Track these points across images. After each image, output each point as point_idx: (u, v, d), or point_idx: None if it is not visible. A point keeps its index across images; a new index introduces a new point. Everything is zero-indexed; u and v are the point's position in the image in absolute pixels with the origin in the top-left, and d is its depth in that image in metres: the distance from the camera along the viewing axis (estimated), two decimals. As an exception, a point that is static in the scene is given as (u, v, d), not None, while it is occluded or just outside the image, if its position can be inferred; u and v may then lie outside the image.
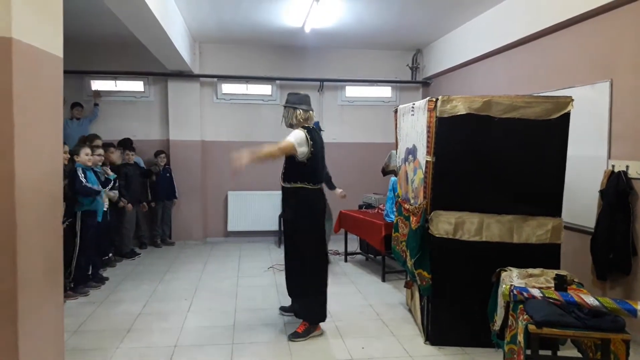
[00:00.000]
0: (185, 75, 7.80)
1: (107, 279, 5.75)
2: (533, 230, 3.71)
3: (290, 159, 3.97)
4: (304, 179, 3.99)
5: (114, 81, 7.92)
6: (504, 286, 2.89)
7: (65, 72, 7.34)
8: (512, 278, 3.10)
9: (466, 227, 3.78)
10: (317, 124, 6.94)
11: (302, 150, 3.90)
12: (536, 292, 2.71)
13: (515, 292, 2.77)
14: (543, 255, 3.65)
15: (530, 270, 3.23)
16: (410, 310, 4.64)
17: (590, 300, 2.56)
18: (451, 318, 3.84)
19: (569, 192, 4.03)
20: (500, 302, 3.08)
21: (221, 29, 7.06)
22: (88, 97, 7.79)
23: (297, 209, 4.00)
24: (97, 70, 7.77)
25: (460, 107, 3.71)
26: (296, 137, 3.91)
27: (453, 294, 3.82)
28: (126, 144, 7.28)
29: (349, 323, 4.40)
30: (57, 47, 2.72)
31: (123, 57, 7.69)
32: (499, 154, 3.74)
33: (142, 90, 8.05)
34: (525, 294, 2.73)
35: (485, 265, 3.61)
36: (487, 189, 3.78)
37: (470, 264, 3.78)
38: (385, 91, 8.63)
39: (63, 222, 4.64)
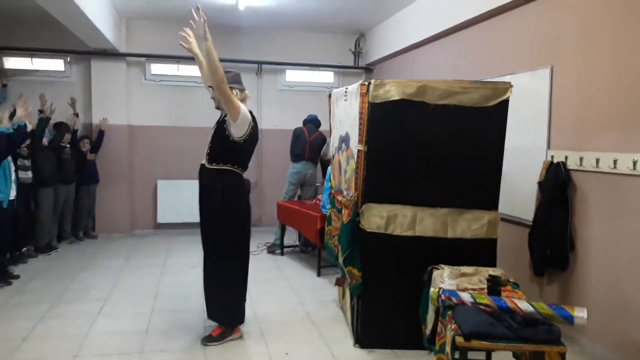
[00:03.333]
0: (109, 54, 7.17)
1: (17, 277, 5.17)
2: (468, 224, 3.48)
3: (223, 137, 3.51)
4: (234, 162, 3.56)
5: (30, 59, 7.18)
6: (432, 289, 2.61)
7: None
8: (443, 278, 2.84)
9: (399, 221, 3.51)
10: (314, 116, 6.60)
11: (242, 127, 3.47)
12: (466, 297, 2.45)
13: (443, 296, 2.50)
14: (478, 251, 3.43)
15: (464, 269, 2.98)
16: (342, 309, 4.35)
17: (524, 305, 2.32)
18: (382, 319, 3.57)
19: (508, 183, 3.83)
20: (431, 305, 2.82)
21: (149, 4, 6.49)
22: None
23: (222, 196, 3.53)
24: (10, 46, 7.02)
25: (393, 92, 3.42)
26: (243, 110, 3.46)
27: (384, 293, 3.55)
28: None
29: (275, 324, 4.07)
30: None
31: (41, 33, 6.97)
32: (434, 143, 3.47)
33: (63, 69, 7.36)
34: (454, 299, 2.46)
35: (418, 262, 3.32)
36: (422, 180, 3.51)
37: (402, 261, 3.52)
38: (327, 76, 8.29)
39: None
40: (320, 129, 6.63)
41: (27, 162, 5.82)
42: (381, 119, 3.46)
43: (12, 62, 7.21)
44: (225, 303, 3.65)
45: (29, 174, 5.85)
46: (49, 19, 5.52)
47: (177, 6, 6.51)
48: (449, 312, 2.48)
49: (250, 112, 3.60)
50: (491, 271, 2.89)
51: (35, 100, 6.33)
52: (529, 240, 4.01)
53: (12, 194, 5.17)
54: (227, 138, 3.49)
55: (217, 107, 3.61)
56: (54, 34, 6.74)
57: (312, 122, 6.66)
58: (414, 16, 6.28)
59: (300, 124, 6.71)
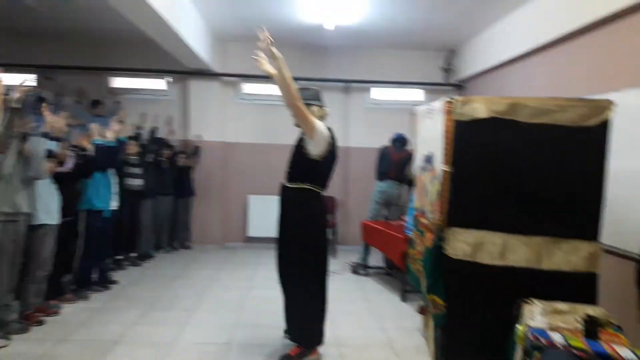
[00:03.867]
0: (205, 74, 7.56)
1: (115, 282, 5.53)
2: (565, 255, 3.19)
3: (301, 155, 3.51)
4: (313, 180, 3.54)
5: (134, 79, 7.76)
6: (519, 326, 2.40)
7: (84, 68, 7.32)
8: (533, 314, 2.61)
9: (487, 249, 3.29)
10: (401, 135, 6.56)
11: (320, 144, 3.44)
12: (558, 339, 2.22)
13: (531, 336, 2.28)
14: (576, 286, 3.12)
15: (558, 305, 2.72)
16: (426, 339, 4.16)
17: (625, 353, 2.06)
18: (467, 353, 3.34)
19: (614, 211, 3.47)
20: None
21: (242, 26, 6.76)
22: (107, 94, 7.65)
23: (301, 215, 3.53)
24: (117, 67, 7.63)
25: (481, 110, 3.24)
26: (320, 127, 3.45)
27: (469, 325, 3.32)
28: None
29: (354, 349, 3.97)
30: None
31: (145, 54, 7.51)
32: (527, 165, 3.23)
33: (164, 88, 7.87)
34: (543, 339, 2.24)
35: (507, 294, 3.09)
36: (513, 205, 3.27)
37: (490, 292, 3.27)
38: (416, 94, 8.12)
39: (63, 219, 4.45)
40: (408, 147, 6.49)
41: (137, 170, 6.21)
42: (468, 138, 3.29)
43: (119, 82, 7.82)
44: (303, 323, 3.62)
45: (138, 182, 6.22)
46: (151, 42, 5.93)
47: (269, 27, 6.67)
48: (537, 354, 2.26)
49: (330, 129, 3.57)
50: (589, 310, 2.61)
51: (139, 117, 6.83)
52: (636, 276, 3.58)
53: (114, 205, 5.54)
54: (306, 156, 3.48)
55: (297, 125, 3.61)
56: (156, 55, 7.20)
57: (400, 141, 6.53)
58: (508, 30, 5.98)
59: (387, 143, 6.60)
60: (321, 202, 3.62)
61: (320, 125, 3.45)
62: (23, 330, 3.99)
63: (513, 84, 6.08)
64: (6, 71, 3.50)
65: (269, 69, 3.50)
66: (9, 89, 3.71)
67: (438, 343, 3.53)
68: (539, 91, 5.28)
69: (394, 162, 6.36)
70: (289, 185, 3.56)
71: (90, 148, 4.92)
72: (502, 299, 3.09)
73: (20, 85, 3.70)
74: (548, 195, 3.20)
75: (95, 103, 7.26)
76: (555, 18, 4.92)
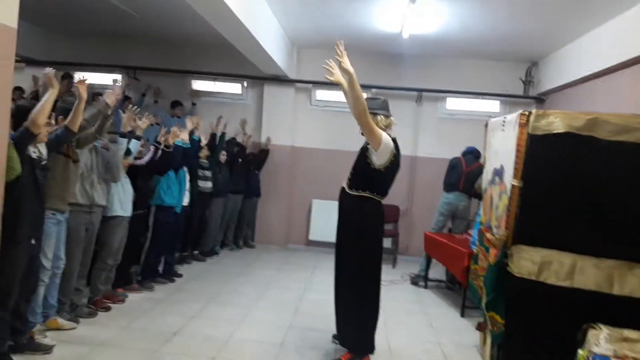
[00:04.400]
0: (280, 79, 7.73)
1: (180, 275, 5.75)
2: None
3: (364, 164, 3.51)
4: (374, 189, 3.53)
5: (213, 82, 8.09)
6: (581, 351, 2.25)
7: (167, 70, 7.71)
8: (599, 340, 2.44)
9: (554, 269, 3.11)
10: (473, 148, 6.45)
11: (383, 156, 3.44)
12: (624, 369, 2.06)
13: (594, 364, 2.13)
14: (651, 315, 2.88)
15: (627, 333, 2.54)
16: (482, 356, 4.00)
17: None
18: (525, 375, 3.19)
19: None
20: (581, 371, 2.44)
21: (317, 33, 6.87)
22: (189, 95, 8.01)
23: (360, 223, 3.52)
24: (198, 70, 7.98)
25: (558, 124, 3.09)
26: (385, 137, 3.46)
27: (529, 347, 3.16)
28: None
29: (407, 360, 3.89)
30: (11, 18, 2.78)
31: (223, 59, 7.79)
32: (603, 184, 3.04)
33: (240, 92, 8.14)
34: (607, 369, 2.09)
35: (572, 317, 2.92)
36: (585, 224, 3.09)
37: (555, 314, 3.09)
38: (493, 105, 7.88)
39: (134, 212, 4.70)
40: (480, 160, 6.29)
41: (208, 173, 6.44)
42: (541, 153, 3.15)
43: (199, 85, 8.19)
44: (355, 330, 3.59)
45: (209, 184, 6.44)
46: (230, 47, 6.16)
47: (341, 35, 6.72)
48: (600, 383, 2.11)
49: (394, 140, 3.54)
50: (664, 342, 2.41)
51: (214, 119, 7.09)
52: None
53: (185, 201, 5.77)
54: (369, 165, 3.47)
55: (362, 134, 3.59)
56: (234, 60, 7.40)
57: (472, 154, 6.36)
58: (595, 43, 5.67)
59: (458, 154, 6.44)
60: (380, 211, 3.61)
61: (385, 137, 3.44)
62: (91, 314, 4.23)
63: (597, 99, 5.75)
64: (96, 71, 3.73)
65: (339, 78, 3.48)
66: (101, 90, 3.94)
67: (495, 363, 3.38)
68: (625, 108, 4.95)
69: (464, 174, 6.19)
70: (350, 192, 3.56)
71: (171, 146, 5.15)
72: (565, 322, 2.93)
73: (114, 91, 3.93)
74: (625, 217, 2.99)
75: (175, 104, 7.64)
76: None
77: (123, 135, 4.31)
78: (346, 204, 3.60)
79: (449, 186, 6.30)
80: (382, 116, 3.57)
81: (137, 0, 6.03)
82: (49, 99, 3.21)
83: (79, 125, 3.57)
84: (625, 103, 5.13)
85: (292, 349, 3.93)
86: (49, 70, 3.32)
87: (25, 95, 6.79)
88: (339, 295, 3.67)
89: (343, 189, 3.62)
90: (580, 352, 2.26)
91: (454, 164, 6.36)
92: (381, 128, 3.53)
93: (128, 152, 4.46)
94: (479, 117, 7.63)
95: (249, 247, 7.76)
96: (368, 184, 3.52)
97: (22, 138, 3.12)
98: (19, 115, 3.23)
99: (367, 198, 3.52)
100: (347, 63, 3.23)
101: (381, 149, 3.41)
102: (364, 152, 3.56)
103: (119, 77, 7.96)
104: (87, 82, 3.58)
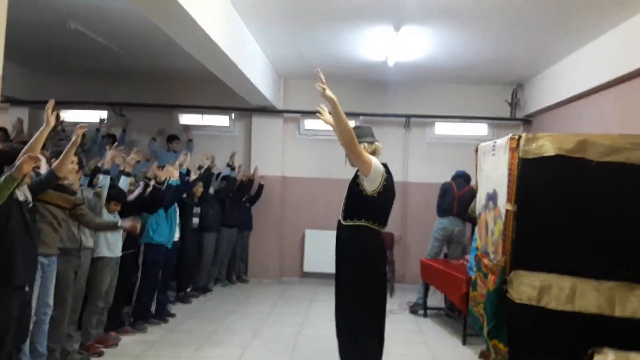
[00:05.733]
0: (268, 110, 7.75)
1: (173, 315, 5.60)
2: (641, 302, 2.91)
3: (356, 193, 3.44)
4: (369, 217, 3.44)
5: (200, 115, 8.08)
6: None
7: (155, 105, 7.68)
8: (607, 367, 2.37)
9: (554, 293, 3.06)
10: (463, 172, 6.43)
11: (375, 180, 3.38)
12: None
13: (604, 393, 2.07)
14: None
15: (634, 356, 2.49)
16: (487, 386, 3.90)
17: None
18: (532, 405, 3.10)
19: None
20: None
21: (303, 64, 6.90)
22: (177, 130, 7.97)
23: (356, 253, 3.42)
24: (186, 104, 7.97)
25: (548, 147, 3.08)
26: (375, 163, 3.40)
27: (535, 375, 3.09)
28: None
29: (410, 395, 3.78)
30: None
31: (210, 92, 7.76)
32: (597, 205, 3.01)
33: (228, 125, 8.13)
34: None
35: (576, 342, 2.88)
36: (582, 247, 3.04)
37: (558, 339, 3.03)
38: (480, 129, 7.94)
39: (122, 251, 4.60)
40: (471, 184, 6.29)
41: (196, 209, 6.40)
42: (533, 176, 3.13)
43: (186, 118, 8.17)
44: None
45: (196, 220, 6.40)
46: (216, 80, 6.16)
47: (327, 65, 6.73)
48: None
49: (385, 165, 3.50)
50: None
51: (204, 152, 7.05)
52: None
53: (176, 237, 5.68)
54: (361, 193, 3.41)
55: (352, 165, 3.54)
56: (221, 93, 7.36)
57: (462, 177, 6.36)
58: (580, 64, 5.74)
59: (448, 179, 6.44)
60: (378, 240, 3.52)
61: (375, 161, 3.40)
62: (84, 360, 4.10)
63: (583, 119, 5.81)
64: (83, 108, 3.70)
65: (330, 120, 3.46)
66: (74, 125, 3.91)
67: (501, 394, 3.29)
68: (612, 128, 4.99)
69: (457, 199, 6.17)
70: (345, 223, 3.50)
71: (164, 183, 5.08)
72: (570, 347, 2.88)
73: (79, 128, 3.86)
74: (621, 238, 2.95)
75: (171, 138, 7.58)
76: (629, 51, 4.68)
77: (106, 172, 4.25)
78: (342, 235, 3.53)
79: (442, 211, 6.27)
80: (365, 143, 3.53)
81: (122, 37, 6.02)
82: (40, 135, 3.19)
83: (65, 172, 3.52)
84: (610, 122, 5.18)
85: (291, 388, 3.82)
86: (49, 105, 3.28)
87: (12, 136, 6.70)
88: (340, 330, 3.56)
89: (339, 221, 3.56)
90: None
91: (445, 189, 6.35)
92: None
93: (122, 195, 4.41)
94: (468, 141, 7.70)
95: (243, 282, 7.62)
96: (362, 212, 3.44)
97: (45, 183, 3.28)
98: (4, 158, 3.18)
99: (362, 227, 3.43)
100: (329, 91, 3.21)
101: (372, 174, 3.36)
102: (355, 180, 3.52)
103: (104, 113, 7.89)
104: (85, 129, 3.56)
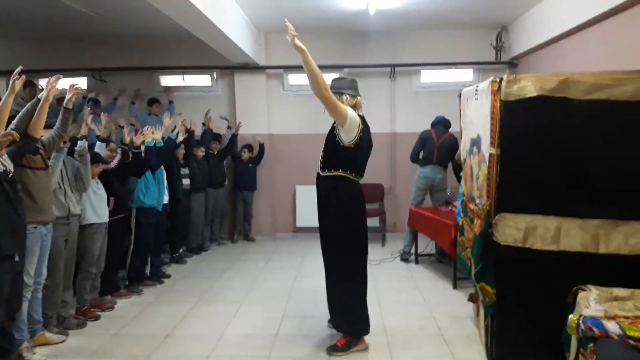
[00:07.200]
0: (250, 67, 7.60)
1: (168, 276, 5.67)
2: (625, 238, 2.95)
3: (334, 144, 3.47)
4: (347, 167, 3.48)
5: (181, 76, 7.92)
6: (571, 316, 2.24)
7: (134, 68, 7.52)
8: (589, 302, 2.43)
9: (539, 234, 3.10)
10: (442, 118, 6.39)
11: (351, 131, 3.38)
12: (613, 328, 2.06)
13: (583, 326, 2.12)
14: (637, 271, 2.89)
15: (617, 291, 2.54)
16: (478, 327, 4.01)
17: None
18: (519, 342, 3.18)
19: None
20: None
21: (282, 17, 6.65)
22: (158, 92, 7.84)
23: (337, 204, 3.49)
24: (166, 65, 7.80)
25: (529, 88, 3.04)
26: (352, 113, 3.39)
27: (521, 314, 3.15)
28: None
29: (403, 339, 3.89)
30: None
31: (190, 51, 7.57)
32: (581, 144, 3.00)
33: (210, 84, 7.98)
34: (597, 330, 2.08)
35: (561, 280, 2.90)
36: (566, 187, 3.06)
37: (544, 279, 3.08)
38: (466, 74, 7.83)
39: (112, 217, 4.61)
40: (450, 130, 6.27)
41: (185, 170, 6.43)
42: (515, 118, 3.10)
43: (167, 80, 8.01)
44: (347, 313, 3.59)
45: (187, 181, 6.45)
46: (196, 39, 5.99)
47: (307, 17, 6.67)
48: (591, 345, 2.10)
49: (362, 117, 3.49)
50: (652, 297, 2.41)
51: (187, 113, 6.96)
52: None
53: (165, 199, 5.68)
54: (338, 144, 3.44)
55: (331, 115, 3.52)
56: (201, 52, 7.18)
57: (441, 124, 6.35)
58: (562, 2, 5.62)
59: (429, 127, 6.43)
60: (357, 190, 3.58)
61: (351, 112, 3.39)
62: (80, 325, 4.15)
63: (568, 59, 5.74)
64: (60, 75, 3.60)
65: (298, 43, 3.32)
66: (62, 92, 3.84)
67: (489, 331, 3.39)
68: (597, 66, 4.93)
69: (436, 147, 6.18)
70: (323, 174, 3.53)
71: (141, 147, 5.03)
72: (555, 286, 2.91)
73: (72, 87, 3.80)
74: (605, 175, 2.97)
75: (151, 102, 7.47)
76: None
77: (83, 138, 4.18)
78: (322, 186, 3.58)
79: (423, 160, 6.29)
80: (347, 95, 3.51)
81: (94, 0, 5.82)
82: (4, 104, 3.11)
83: (40, 131, 3.46)
84: (595, 60, 5.12)
85: (287, 339, 3.91)
86: (16, 72, 3.20)
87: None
88: (327, 280, 3.65)
89: (318, 173, 3.58)
90: (570, 317, 2.25)
91: (424, 138, 6.36)
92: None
93: (98, 157, 4.35)
94: (454, 88, 7.53)
95: (249, 241, 7.66)
96: (340, 163, 3.47)
97: (24, 147, 3.23)
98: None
99: (341, 177, 3.48)
100: (297, 40, 3.14)
101: (347, 124, 3.36)
102: (332, 132, 3.52)
103: (83, 79, 7.72)
104: (59, 81, 3.47)
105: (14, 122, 3.42)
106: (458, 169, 5.35)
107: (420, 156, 6.39)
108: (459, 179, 5.26)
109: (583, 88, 2.95)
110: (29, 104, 3.50)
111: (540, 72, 5.96)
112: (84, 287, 4.36)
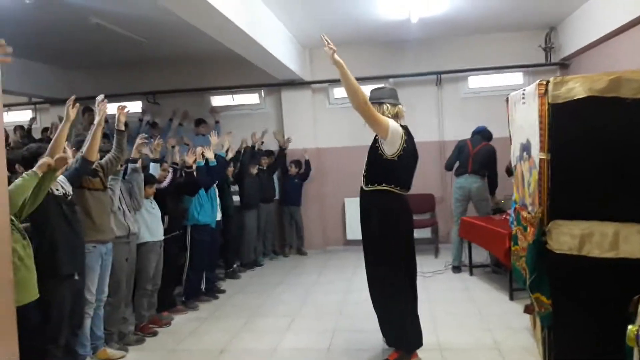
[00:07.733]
0: (296, 83, 7.72)
1: (223, 291, 5.80)
2: (691, 243, 2.78)
3: (376, 156, 3.44)
4: (390, 181, 3.42)
5: (231, 96, 8.14)
6: (630, 327, 2.12)
7: (186, 90, 7.79)
8: (652, 313, 2.29)
9: (596, 241, 2.95)
10: (482, 128, 6.33)
11: (394, 143, 3.34)
12: (678, 342, 1.92)
13: (646, 338, 2.01)
14: None
15: (683, 301, 2.38)
16: (535, 339, 3.86)
17: None
18: (578, 354, 3.04)
19: None
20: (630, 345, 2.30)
21: (325, 32, 6.74)
22: (205, 113, 8.08)
23: (379, 219, 3.45)
24: (216, 86, 8.04)
25: (578, 90, 2.93)
26: (393, 124, 3.36)
27: (579, 325, 3.01)
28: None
29: (458, 352, 3.80)
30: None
31: (238, 71, 7.78)
32: (635, 145, 2.86)
33: (258, 102, 8.17)
34: (660, 343, 1.96)
35: (622, 289, 2.76)
36: (623, 191, 2.92)
37: (602, 288, 2.94)
38: (516, 78, 7.61)
39: (168, 234, 4.77)
40: (499, 136, 6.11)
41: (235, 188, 6.64)
42: (565, 121, 2.99)
43: (218, 100, 8.26)
44: (395, 327, 3.54)
45: (237, 198, 6.63)
46: (242, 59, 6.16)
47: (349, 30, 6.74)
48: (655, 359, 1.98)
49: (405, 127, 3.45)
50: None
51: (236, 131, 7.15)
52: None
53: (218, 216, 5.83)
54: (381, 157, 3.39)
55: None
56: (249, 71, 7.30)
57: (480, 134, 6.26)
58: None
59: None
60: (401, 204, 3.50)
61: (392, 123, 3.35)
62: (139, 341, 4.30)
63: (622, 57, 5.49)
64: (117, 101, 3.80)
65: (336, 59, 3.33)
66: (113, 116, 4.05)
67: (546, 343, 3.25)
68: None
69: (471, 157, 6.09)
70: (367, 189, 3.50)
71: (194, 167, 5.20)
72: (615, 295, 2.76)
73: (119, 108, 4.00)
74: (665, 177, 2.81)
75: (198, 122, 7.72)
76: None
77: (134, 161, 4.36)
78: (364, 201, 3.55)
79: (457, 170, 6.23)
80: (388, 105, 3.48)
81: (142, 26, 6.10)
82: (61, 131, 3.31)
83: (96, 154, 3.64)
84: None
85: (339, 353, 3.91)
86: (69, 101, 3.41)
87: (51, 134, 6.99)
88: (372, 295, 3.62)
89: (361, 187, 3.57)
90: (630, 327, 2.13)
91: (460, 147, 6.29)
92: (389, 117, 3.44)
93: (152, 178, 4.53)
94: (504, 92, 7.29)
95: (302, 255, 7.73)
96: (383, 176, 3.42)
97: (80, 170, 3.44)
98: (30, 156, 3.31)
99: (384, 192, 3.42)
100: (336, 55, 3.15)
101: (390, 136, 3.32)
102: (374, 144, 3.49)
103: (137, 103, 8.09)
104: (105, 102, 3.66)
105: (83, 148, 3.64)
106: (510, 173, 5.21)
107: (456, 166, 6.29)
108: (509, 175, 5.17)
109: (636, 86, 2.82)
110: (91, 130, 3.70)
111: (593, 71, 5.72)
112: (141, 304, 4.52)
